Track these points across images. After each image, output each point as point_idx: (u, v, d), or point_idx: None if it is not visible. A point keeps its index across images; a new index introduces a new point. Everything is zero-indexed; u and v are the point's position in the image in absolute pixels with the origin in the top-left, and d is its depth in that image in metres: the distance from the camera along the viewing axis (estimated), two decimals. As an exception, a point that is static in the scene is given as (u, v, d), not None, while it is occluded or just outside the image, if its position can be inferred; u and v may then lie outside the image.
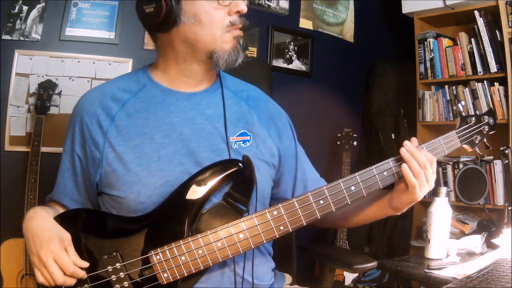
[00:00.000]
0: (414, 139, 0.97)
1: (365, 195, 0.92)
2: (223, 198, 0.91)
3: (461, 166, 2.38)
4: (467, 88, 2.44)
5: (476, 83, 2.39)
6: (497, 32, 2.32)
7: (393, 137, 2.77)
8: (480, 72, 2.39)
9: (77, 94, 2.05)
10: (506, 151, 1.55)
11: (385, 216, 1.03)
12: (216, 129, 0.99)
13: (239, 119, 1.02)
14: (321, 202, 0.89)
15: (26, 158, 1.88)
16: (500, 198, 2.28)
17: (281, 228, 0.88)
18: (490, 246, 1.58)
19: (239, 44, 0.97)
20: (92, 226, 0.91)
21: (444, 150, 1.00)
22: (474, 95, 2.40)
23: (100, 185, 0.97)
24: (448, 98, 2.54)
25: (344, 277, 2.40)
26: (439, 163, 2.57)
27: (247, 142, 1.00)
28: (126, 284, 0.85)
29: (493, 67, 2.32)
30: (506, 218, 1.81)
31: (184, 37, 0.95)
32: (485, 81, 2.36)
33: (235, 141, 0.99)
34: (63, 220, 0.90)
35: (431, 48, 2.60)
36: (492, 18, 2.33)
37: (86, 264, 0.85)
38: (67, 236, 0.86)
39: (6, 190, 1.93)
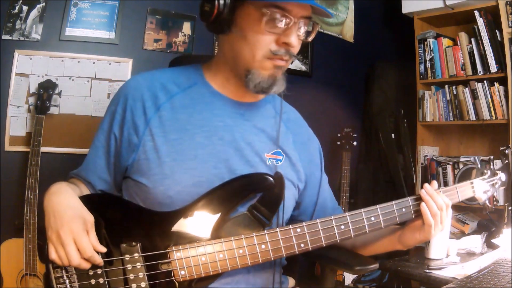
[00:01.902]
0: (434, 182, 1.01)
1: (383, 227, 0.96)
2: (248, 209, 0.92)
3: (461, 166, 2.38)
4: (467, 88, 2.44)
5: (476, 83, 2.39)
6: (497, 32, 2.32)
7: (393, 137, 2.77)
8: (480, 72, 2.40)
9: (77, 94, 2.05)
10: (506, 151, 1.56)
11: (393, 250, 1.08)
12: (254, 142, 1.00)
13: (276, 139, 1.03)
14: (342, 227, 0.93)
15: (26, 158, 1.88)
16: (500, 198, 2.28)
17: (302, 245, 0.90)
18: (490, 246, 1.58)
19: (281, 76, 0.96)
20: (116, 213, 0.91)
21: (459, 197, 1.06)
22: (474, 95, 2.40)
23: (129, 170, 0.96)
24: (448, 98, 2.54)
25: (344, 277, 2.40)
26: (439, 163, 2.57)
27: (279, 162, 1.02)
28: (141, 275, 0.85)
29: (493, 67, 2.33)
30: (506, 218, 1.81)
31: (231, 47, 0.95)
32: (485, 81, 2.37)
33: (269, 158, 1.01)
34: (88, 201, 0.89)
35: (431, 48, 2.60)
36: (492, 18, 2.34)
37: (104, 249, 0.84)
38: (90, 218, 0.85)
39: (6, 190, 1.93)
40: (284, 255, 0.90)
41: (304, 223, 0.91)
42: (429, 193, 0.97)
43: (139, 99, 0.96)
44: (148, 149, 0.93)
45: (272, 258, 0.89)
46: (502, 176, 1.16)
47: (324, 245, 0.92)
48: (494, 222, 2.02)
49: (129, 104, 0.96)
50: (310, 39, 0.97)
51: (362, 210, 0.94)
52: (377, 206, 0.96)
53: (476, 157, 1.16)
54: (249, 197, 0.93)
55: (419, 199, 0.98)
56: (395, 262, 1.45)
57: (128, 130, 0.95)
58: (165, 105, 0.97)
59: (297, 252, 0.90)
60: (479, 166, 1.16)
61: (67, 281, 0.83)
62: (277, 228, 0.90)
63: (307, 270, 2.50)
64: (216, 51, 1.04)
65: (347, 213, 0.94)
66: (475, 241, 1.57)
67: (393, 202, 0.97)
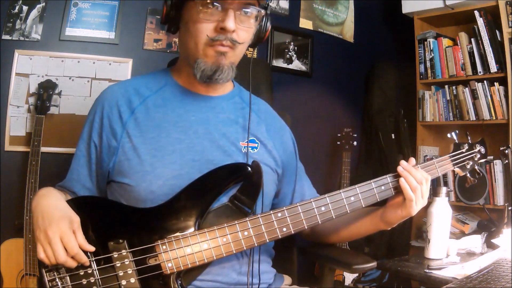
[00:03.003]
0: (412, 159, 1.02)
1: (363, 205, 0.98)
2: (229, 199, 0.95)
3: (461, 166, 2.38)
4: (467, 88, 2.44)
5: (476, 83, 2.39)
6: (497, 32, 2.32)
7: (393, 137, 2.77)
8: (480, 72, 2.40)
9: (77, 94, 2.06)
10: (506, 151, 1.56)
11: (376, 231, 1.09)
12: (228, 132, 1.04)
13: (250, 128, 1.06)
14: (323, 208, 0.94)
15: (26, 158, 1.88)
16: (500, 198, 2.28)
17: (284, 229, 0.92)
18: (490, 246, 1.58)
19: (227, 63, 0.98)
20: (102, 213, 0.93)
21: (438, 172, 1.07)
22: (474, 95, 2.40)
23: (112, 173, 1.00)
24: (448, 98, 2.54)
25: (344, 277, 2.40)
26: (439, 163, 2.57)
27: (255, 149, 1.05)
28: (130, 271, 0.87)
29: (493, 67, 2.33)
30: (506, 218, 1.81)
31: (181, 42, 1.02)
32: (485, 81, 2.37)
33: (244, 146, 1.04)
34: (75, 204, 0.92)
35: (431, 48, 2.60)
36: (492, 18, 2.34)
37: (92, 249, 0.86)
38: (76, 219, 0.88)
39: (6, 190, 1.93)
40: (268, 240, 0.91)
41: (284, 207, 0.93)
42: (406, 169, 0.99)
43: (114, 105, 1.02)
44: (127, 150, 0.97)
45: (256, 244, 0.91)
46: (481, 148, 1.17)
47: (306, 227, 0.93)
48: (494, 222, 2.02)
49: (105, 111, 1.02)
50: (255, 23, 1.00)
51: (341, 190, 0.96)
52: (356, 186, 0.97)
53: (453, 133, 1.17)
54: (229, 187, 0.95)
55: (398, 176, 0.99)
56: (395, 262, 1.45)
57: (106, 135, 1.00)
58: (139, 108, 1.02)
59: (280, 237, 0.92)
60: (456, 140, 1.16)
61: (59, 283, 0.85)
62: (259, 215, 0.92)
63: (306, 270, 2.50)
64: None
65: (326, 194, 0.96)
66: (475, 241, 1.57)
67: (372, 181, 0.99)
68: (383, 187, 0.99)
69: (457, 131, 1.17)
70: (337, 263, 1.16)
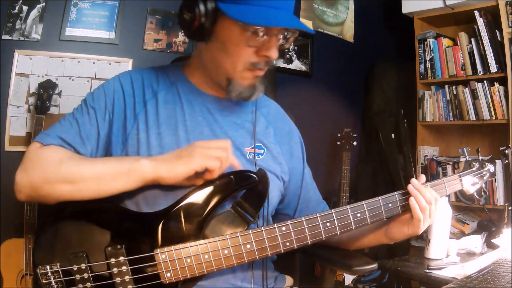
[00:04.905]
0: (422, 176, 1.01)
1: (369, 223, 0.96)
2: (232, 206, 0.93)
3: (461, 166, 2.38)
4: (467, 88, 2.44)
5: (476, 83, 2.39)
6: (497, 32, 2.32)
7: (393, 137, 2.76)
8: (480, 72, 2.40)
9: (77, 94, 2.05)
10: (506, 151, 1.56)
11: (378, 244, 1.08)
12: (233, 137, 1.01)
13: (257, 133, 1.05)
14: (328, 224, 0.92)
15: (26, 158, 1.88)
16: (500, 198, 2.28)
17: (287, 244, 0.90)
18: (490, 246, 1.58)
19: (259, 83, 0.98)
20: (101, 217, 0.91)
21: (446, 190, 1.06)
22: (474, 95, 2.41)
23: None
24: (448, 98, 2.54)
25: (344, 277, 2.40)
26: (439, 163, 2.57)
27: (260, 156, 1.03)
28: (127, 278, 0.85)
29: (493, 67, 2.33)
30: (506, 218, 1.81)
31: (211, 55, 0.97)
32: (485, 81, 2.37)
33: (249, 152, 1.02)
34: (74, 207, 0.90)
35: (431, 48, 2.61)
36: (492, 18, 2.34)
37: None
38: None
39: (6, 190, 1.92)
40: (270, 255, 0.90)
41: (289, 222, 0.91)
42: (416, 187, 0.97)
43: (130, 95, 1.00)
44: (135, 142, 0.96)
45: (258, 258, 0.89)
46: (491, 167, 1.16)
47: (309, 243, 0.92)
48: (494, 222, 2.02)
49: (118, 97, 0.99)
50: (287, 46, 0.98)
51: (348, 206, 0.94)
52: (363, 202, 0.96)
53: (465, 149, 1.16)
54: (233, 195, 0.93)
55: (406, 194, 0.98)
56: (395, 262, 1.45)
57: (118, 116, 0.98)
58: (151, 101, 1.00)
59: (282, 251, 0.90)
60: (467, 157, 1.15)
61: (55, 287, 0.84)
62: (262, 228, 0.90)
63: (307, 270, 2.50)
64: (193, 52, 1.07)
65: (332, 210, 0.94)
66: (475, 241, 1.57)
67: (380, 197, 0.97)
68: (390, 205, 0.97)
69: (468, 148, 1.17)
70: (338, 264, 1.15)
